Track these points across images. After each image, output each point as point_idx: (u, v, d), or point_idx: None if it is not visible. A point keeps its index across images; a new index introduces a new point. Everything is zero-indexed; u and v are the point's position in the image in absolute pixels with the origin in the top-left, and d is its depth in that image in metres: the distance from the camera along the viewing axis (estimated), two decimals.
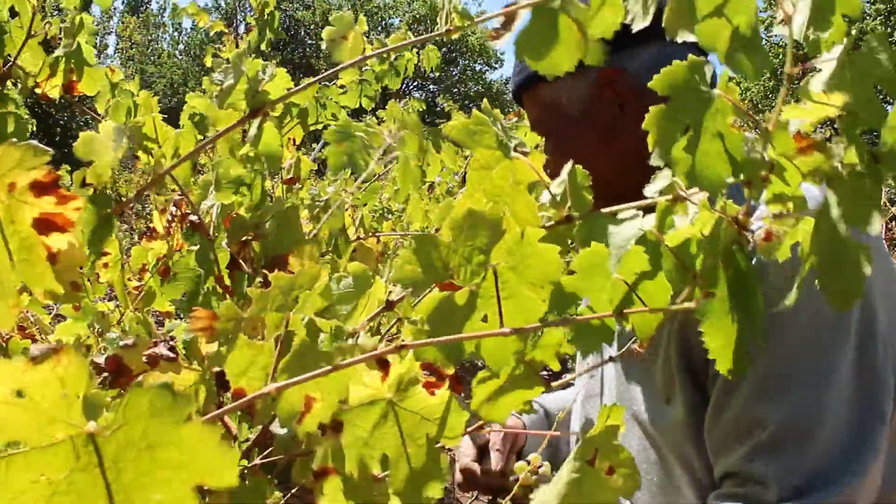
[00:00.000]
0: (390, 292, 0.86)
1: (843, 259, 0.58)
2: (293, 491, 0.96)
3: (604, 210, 0.71)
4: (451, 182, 3.67)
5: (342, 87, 2.36)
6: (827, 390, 1.12)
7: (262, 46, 2.67)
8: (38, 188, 0.48)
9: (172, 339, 0.83)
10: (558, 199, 0.71)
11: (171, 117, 1.32)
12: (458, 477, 1.50)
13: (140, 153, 1.07)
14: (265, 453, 0.87)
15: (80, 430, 0.42)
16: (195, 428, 0.43)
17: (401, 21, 37.98)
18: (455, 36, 0.68)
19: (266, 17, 2.66)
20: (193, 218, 1.13)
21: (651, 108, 0.61)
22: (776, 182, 0.62)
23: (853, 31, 0.54)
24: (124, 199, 0.94)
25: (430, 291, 0.63)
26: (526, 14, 0.60)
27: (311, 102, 2.22)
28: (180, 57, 34.53)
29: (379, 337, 0.89)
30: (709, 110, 0.60)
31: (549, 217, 0.72)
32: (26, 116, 1.34)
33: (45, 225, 0.48)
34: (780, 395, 1.13)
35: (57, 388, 0.42)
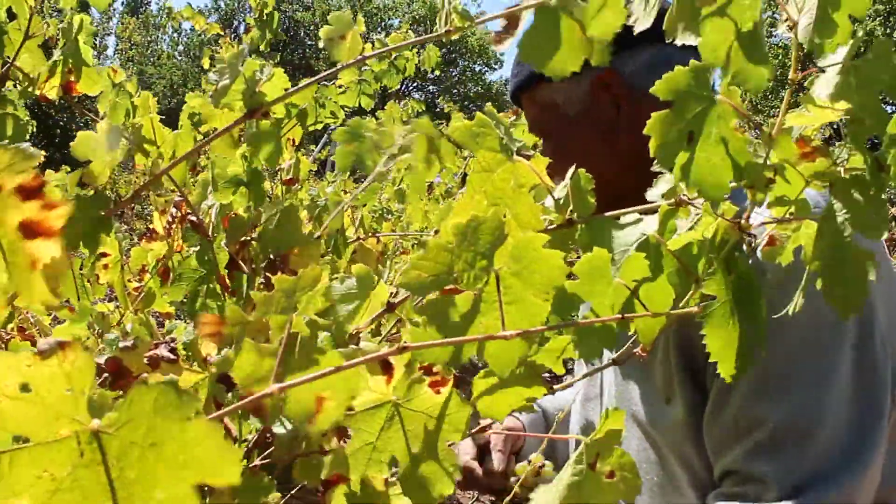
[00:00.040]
0: (393, 294, 0.86)
1: (846, 265, 0.58)
2: (293, 491, 0.96)
3: (606, 214, 0.71)
4: (450, 182, 3.67)
5: (341, 86, 2.36)
6: (826, 390, 1.12)
7: (262, 47, 2.67)
8: (24, 192, 0.48)
9: (173, 340, 0.83)
10: (561, 202, 0.71)
11: (171, 118, 1.32)
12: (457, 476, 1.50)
13: (137, 156, 1.07)
14: (265, 453, 0.87)
15: (84, 426, 0.42)
16: (199, 426, 0.43)
17: (401, 22, 37.98)
18: (455, 37, 0.67)
19: (265, 17, 2.66)
20: (193, 218, 1.13)
21: (653, 113, 0.61)
22: (779, 186, 0.62)
23: (859, 32, 0.54)
24: (122, 200, 0.94)
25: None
26: (528, 17, 0.60)
27: (310, 103, 2.22)
28: (180, 58, 34.53)
29: (379, 338, 0.89)
30: (710, 115, 0.60)
31: (551, 220, 0.72)
32: (26, 118, 1.34)
33: (29, 230, 0.48)
34: (779, 395, 1.13)
35: (63, 383, 0.42)
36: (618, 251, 0.68)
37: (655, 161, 0.62)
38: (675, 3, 0.61)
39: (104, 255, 1.26)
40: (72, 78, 1.33)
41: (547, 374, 0.72)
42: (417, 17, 37.40)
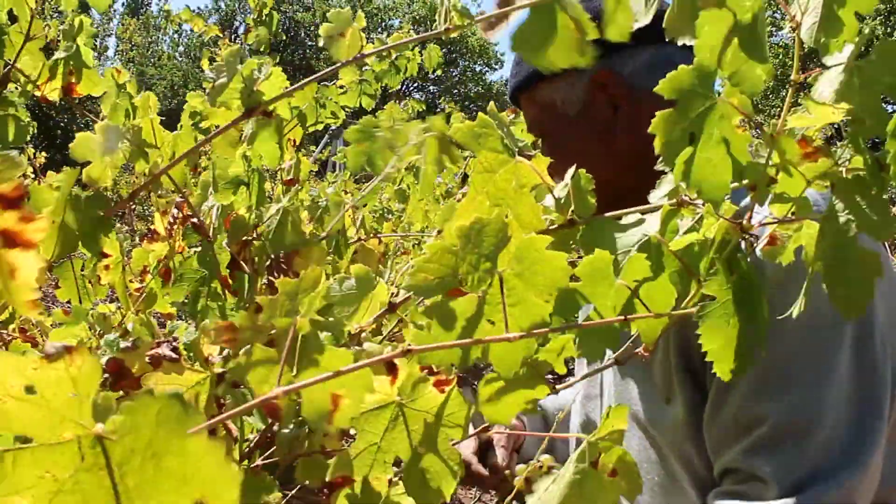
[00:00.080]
0: (394, 294, 0.86)
1: (849, 265, 0.58)
2: (293, 491, 0.96)
3: (607, 214, 0.71)
4: (450, 182, 3.67)
5: (342, 86, 2.36)
6: (826, 388, 1.12)
7: (262, 47, 2.68)
8: (3, 202, 0.47)
9: (175, 339, 0.83)
10: (562, 202, 0.71)
11: (172, 119, 1.32)
12: None
13: (134, 155, 1.07)
14: (267, 453, 0.87)
15: (88, 430, 0.42)
16: (201, 442, 0.43)
17: (401, 22, 37.99)
18: (454, 34, 0.67)
19: (264, 18, 2.66)
20: (194, 220, 1.13)
21: (657, 112, 0.61)
22: (780, 184, 0.62)
23: (865, 30, 0.54)
24: (121, 201, 0.94)
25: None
26: (525, 9, 0.60)
27: (311, 103, 2.22)
28: (180, 59, 34.54)
29: (381, 338, 0.89)
30: (712, 115, 0.60)
31: (552, 220, 0.72)
32: (27, 119, 1.34)
33: (8, 239, 0.48)
34: (779, 394, 1.13)
35: (69, 387, 0.42)
36: (619, 252, 0.68)
37: (660, 159, 0.62)
38: (675, 2, 0.61)
39: (105, 255, 1.26)
40: (72, 79, 1.33)
41: (549, 375, 0.72)
42: (418, 17, 37.40)
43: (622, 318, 0.66)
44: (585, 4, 0.60)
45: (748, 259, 0.67)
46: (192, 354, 0.82)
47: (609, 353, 0.72)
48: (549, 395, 0.71)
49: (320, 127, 2.33)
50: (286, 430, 0.84)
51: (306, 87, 2.18)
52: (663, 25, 0.61)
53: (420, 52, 2.60)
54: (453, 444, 0.68)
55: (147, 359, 0.79)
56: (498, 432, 1.54)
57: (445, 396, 0.66)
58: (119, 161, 0.99)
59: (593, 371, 1.02)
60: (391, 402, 0.65)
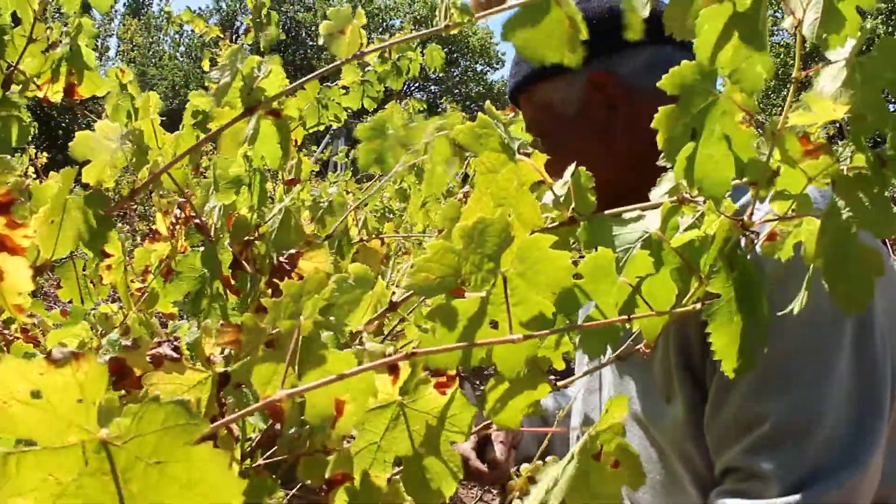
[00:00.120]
0: (393, 293, 0.86)
1: (850, 261, 0.58)
2: (294, 490, 0.96)
3: (608, 212, 0.71)
4: (451, 182, 3.67)
5: (344, 87, 2.36)
6: (826, 386, 1.12)
7: (262, 47, 2.68)
8: None
9: (177, 338, 0.83)
10: (562, 200, 0.71)
11: (173, 119, 1.32)
12: None
13: (136, 160, 1.07)
14: (269, 453, 0.87)
15: (93, 435, 0.42)
16: (205, 449, 0.43)
17: (402, 22, 37.99)
18: (454, 31, 0.67)
19: (263, 17, 2.66)
20: (197, 220, 1.13)
21: (660, 107, 0.61)
22: (781, 181, 0.62)
23: (867, 25, 0.54)
24: (122, 199, 0.94)
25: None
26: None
27: (313, 103, 2.22)
28: (181, 59, 34.54)
29: (382, 338, 0.90)
30: (713, 112, 0.60)
31: (552, 218, 0.72)
32: (28, 120, 1.34)
33: None
34: (779, 392, 1.13)
35: (75, 392, 0.42)
36: (620, 249, 0.68)
37: (662, 155, 0.62)
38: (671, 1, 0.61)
39: (107, 255, 1.26)
40: (74, 81, 1.33)
41: (552, 376, 0.72)
42: (419, 17, 37.40)
43: (625, 317, 0.66)
44: (583, 5, 0.60)
45: (748, 256, 0.68)
46: (193, 354, 0.82)
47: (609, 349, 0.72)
48: (549, 392, 0.71)
49: (322, 127, 2.33)
50: (289, 430, 0.84)
51: (308, 87, 2.18)
52: (663, 19, 0.61)
53: (422, 52, 2.60)
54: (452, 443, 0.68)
55: (148, 358, 0.79)
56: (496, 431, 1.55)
57: (449, 399, 0.66)
58: (120, 162, 0.99)
59: (593, 368, 1.02)
60: (392, 402, 0.65)
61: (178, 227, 1.24)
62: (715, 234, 0.65)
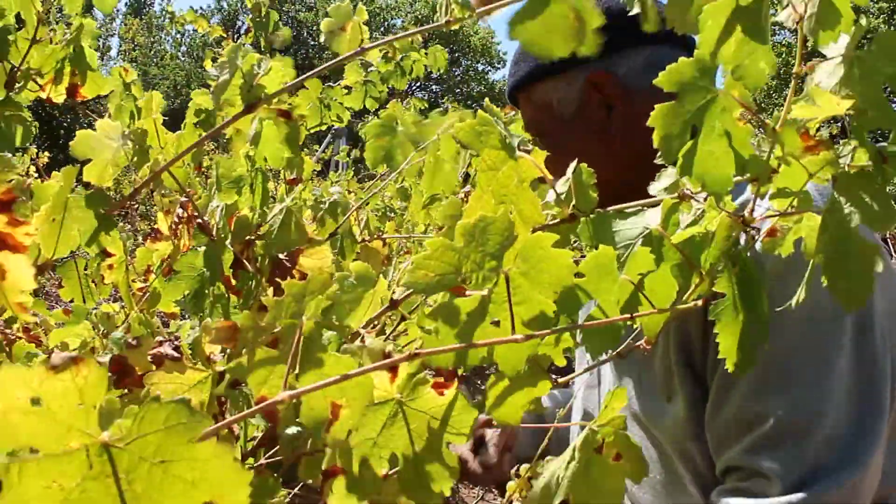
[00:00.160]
0: (394, 292, 0.86)
1: (850, 257, 0.58)
2: (296, 490, 0.96)
3: (609, 209, 0.71)
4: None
5: (347, 87, 2.36)
6: (827, 385, 1.12)
7: (263, 46, 2.68)
8: None
9: (177, 338, 0.83)
10: (563, 197, 0.71)
11: (175, 119, 1.32)
12: None
13: (137, 160, 1.07)
14: (271, 452, 0.87)
15: (94, 439, 0.42)
16: (209, 446, 0.43)
17: (403, 22, 37.98)
18: (455, 27, 0.67)
19: (263, 17, 2.66)
20: (199, 220, 1.13)
21: (656, 105, 0.61)
22: (781, 178, 0.62)
23: (862, 22, 0.54)
24: (123, 198, 0.94)
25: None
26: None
27: (315, 103, 2.22)
28: (183, 59, 34.55)
29: (383, 337, 0.89)
30: (713, 108, 0.60)
31: (553, 215, 0.72)
32: (30, 119, 1.34)
33: None
34: (779, 391, 1.13)
35: (75, 397, 0.42)
36: (621, 245, 0.68)
37: (658, 154, 0.62)
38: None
39: (109, 255, 1.26)
40: (77, 82, 1.33)
41: (554, 375, 0.72)
42: (420, 17, 37.40)
43: (627, 316, 0.66)
44: None
45: (748, 253, 0.67)
46: (194, 353, 0.83)
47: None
48: (551, 389, 0.71)
49: (324, 127, 2.33)
50: (290, 430, 0.84)
51: (311, 87, 2.18)
52: (665, 13, 0.61)
53: (426, 53, 2.59)
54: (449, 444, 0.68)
55: (149, 358, 0.80)
56: (493, 429, 1.56)
57: (450, 401, 0.66)
58: (121, 161, 0.99)
59: (593, 365, 1.02)
60: (391, 399, 0.65)
61: (180, 226, 1.24)
62: (716, 230, 0.65)
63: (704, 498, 1.27)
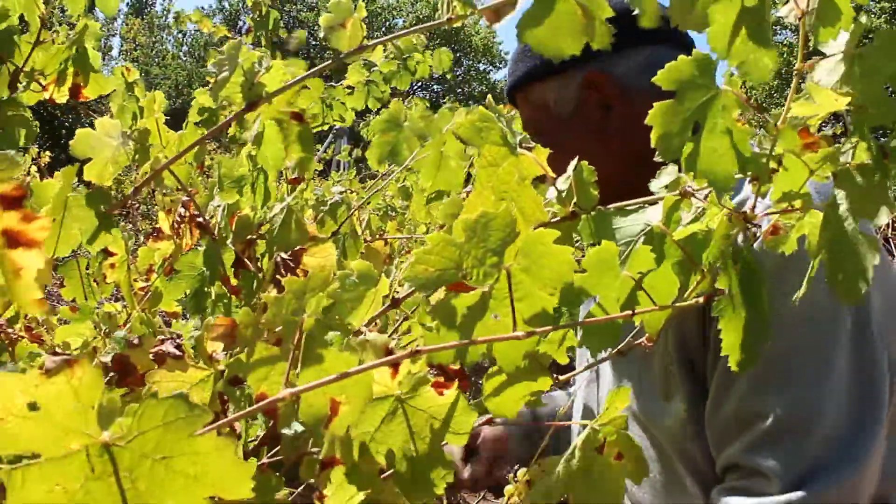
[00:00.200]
0: (396, 291, 0.86)
1: (849, 252, 0.58)
2: (299, 489, 0.96)
3: (610, 206, 0.71)
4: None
5: (349, 87, 2.36)
6: (826, 382, 1.12)
7: (263, 46, 2.68)
8: (5, 202, 0.48)
9: (179, 336, 0.83)
10: (564, 195, 0.71)
11: (176, 119, 1.32)
12: None
13: (139, 157, 1.07)
14: (273, 451, 0.87)
15: (94, 439, 0.42)
16: (210, 441, 0.43)
17: (404, 22, 37.98)
18: (457, 24, 0.67)
19: (263, 16, 2.66)
20: (200, 219, 1.13)
21: (655, 103, 0.61)
22: (783, 179, 0.62)
23: (863, 20, 0.54)
24: (125, 197, 0.94)
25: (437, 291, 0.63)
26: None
27: (317, 103, 2.22)
28: (184, 58, 34.55)
29: (387, 333, 0.89)
30: (715, 106, 0.60)
31: (554, 213, 0.72)
32: (31, 120, 1.34)
33: (11, 239, 0.48)
34: (778, 389, 1.13)
35: (71, 399, 0.42)
36: (622, 242, 0.68)
37: (656, 152, 0.62)
38: None
39: (110, 254, 1.26)
40: (80, 82, 1.33)
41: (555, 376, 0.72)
42: (421, 16, 37.40)
43: (629, 312, 0.66)
44: None
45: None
46: (196, 351, 0.83)
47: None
48: (552, 385, 0.71)
49: (325, 126, 2.32)
50: (292, 430, 0.84)
51: (312, 86, 2.18)
52: (668, 12, 0.61)
53: (430, 54, 2.59)
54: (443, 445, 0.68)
55: (151, 356, 0.80)
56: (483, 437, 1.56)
57: (452, 401, 0.66)
58: (122, 160, 0.99)
59: (591, 364, 1.02)
60: (391, 395, 0.65)
61: (181, 225, 1.24)
62: (716, 227, 0.65)
63: (705, 497, 1.27)
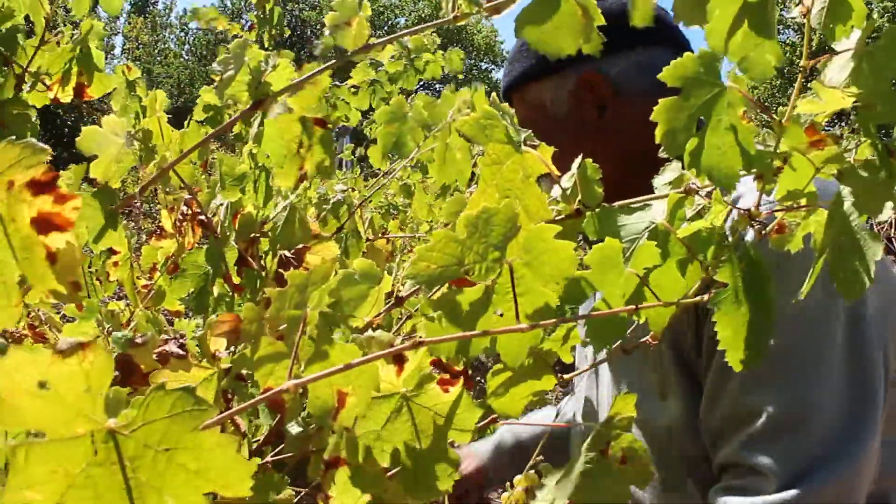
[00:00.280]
0: (399, 289, 0.86)
1: (853, 249, 0.58)
2: (306, 489, 0.96)
3: (615, 204, 0.71)
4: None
5: (354, 87, 2.35)
6: (820, 377, 1.12)
7: (266, 43, 2.67)
8: (36, 187, 0.48)
9: (182, 336, 0.83)
10: (568, 192, 0.71)
11: (179, 117, 1.32)
12: None
13: (143, 156, 1.07)
14: (277, 450, 0.87)
15: (101, 425, 0.42)
16: (213, 436, 0.43)
17: (407, 21, 37.99)
18: (462, 22, 0.67)
19: (266, 14, 2.66)
20: (202, 217, 1.14)
21: (660, 100, 0.61)
22: (788, 177, 0.62)
23: (874, 14, 0.54)
24: (129, 196, 0.94)
25: (440, 288, 0.63)
26: None
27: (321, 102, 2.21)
28: (187, 57, 34.57)
29: (392, 332, 0.89)
30: (720, 103, 0.60)
31: (559, 210, 0.72)
32: (34, 119, 1.34)
33: (43, 224, 0.48)
34: (774, 386, 1.13)
35: (82, 382, 0.42)
36: (626, 239, 0.68)
37: (662, 148, 0.62)
38: None
39: (114, 252, 1.27)
40: (84, 82, 1.34)
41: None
42: (423, 15, 37.41)
43: (633, 307, 0.66)
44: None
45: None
46: (199, 350, 0.83)
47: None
48: (556, 384, 0.71)
49: (330, 127, 2.32)
50: (297, 429, 0.84)
51: (319, 83, 2.17)
52: (672, 10, 0.62)
53: (443, 54, 2.59)
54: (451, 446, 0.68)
55: (155, 356, 0.80)
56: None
57: (455, 398, 0.66)
58: (128, 161, 0.99)
59: (592, 365, 1.02)
60: (396, 393, 0.65)
61: (184, 224, 1.24)
62: (721, 224, 0.65)
63: (704, 497, 1.27)
